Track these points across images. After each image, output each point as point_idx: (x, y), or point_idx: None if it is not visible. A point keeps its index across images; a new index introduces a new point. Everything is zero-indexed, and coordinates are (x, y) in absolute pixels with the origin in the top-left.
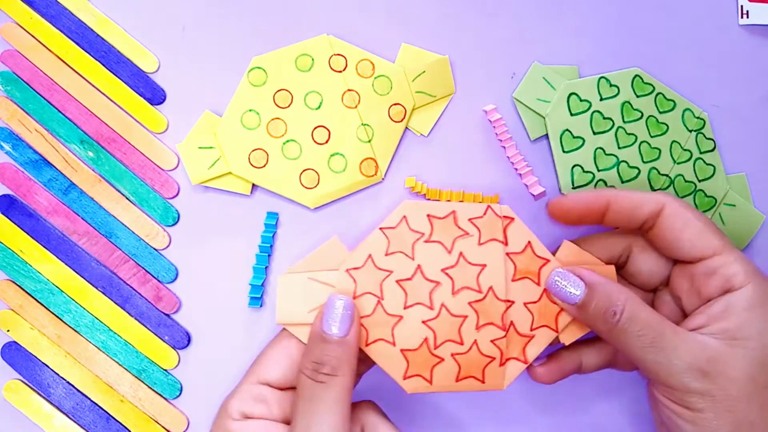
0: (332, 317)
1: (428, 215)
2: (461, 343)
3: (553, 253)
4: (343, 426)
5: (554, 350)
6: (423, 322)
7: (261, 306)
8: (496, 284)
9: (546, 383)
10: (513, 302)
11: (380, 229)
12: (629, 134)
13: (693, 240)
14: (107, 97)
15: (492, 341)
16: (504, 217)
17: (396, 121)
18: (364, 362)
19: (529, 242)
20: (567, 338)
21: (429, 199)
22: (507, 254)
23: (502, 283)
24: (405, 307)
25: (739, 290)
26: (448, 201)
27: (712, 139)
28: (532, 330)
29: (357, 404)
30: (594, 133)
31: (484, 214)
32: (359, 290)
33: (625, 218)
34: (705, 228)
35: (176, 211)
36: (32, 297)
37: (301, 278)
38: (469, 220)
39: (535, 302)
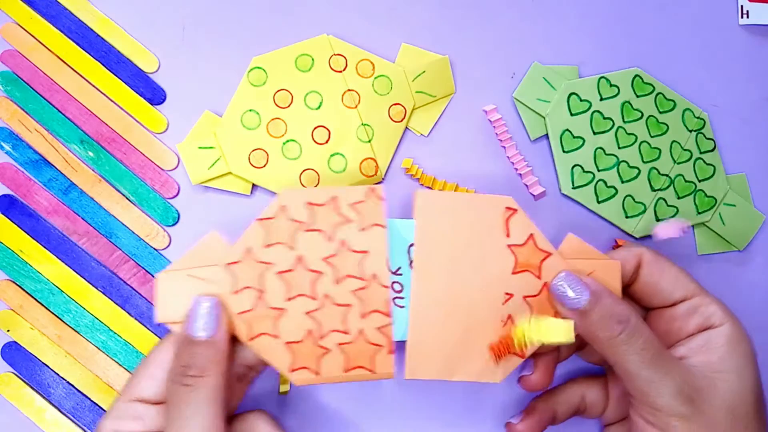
0: (197, 319)
1: (308, 203)
2: (347, 333)
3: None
4: (215, 427)
5: (527, 405)
6: (306, 313)
7: None
8: (379, 271)
9: None
10: (512, 295)
11: (258, 220)
12: (629, 134)
13: (673, 283)
14: (107, 97)
15: (378, 329)
16: (507, 208)
17: (396, 121)
18: (253, 368)
19: (531, 234)
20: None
21: (422, 185)
22: (508, 246)
23: (385, 270)
24: (287, 300)
25: (717, 328)
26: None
27: (712, 139)
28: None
29: (247, 413)
30: (594, 133)
31: (366, 198)
32: (239, 285)
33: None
34: (680, 272)
35: (176, 211)
36: (32, 297)
37: (180, 275)
38: (350, 205)
39: (534, 296)
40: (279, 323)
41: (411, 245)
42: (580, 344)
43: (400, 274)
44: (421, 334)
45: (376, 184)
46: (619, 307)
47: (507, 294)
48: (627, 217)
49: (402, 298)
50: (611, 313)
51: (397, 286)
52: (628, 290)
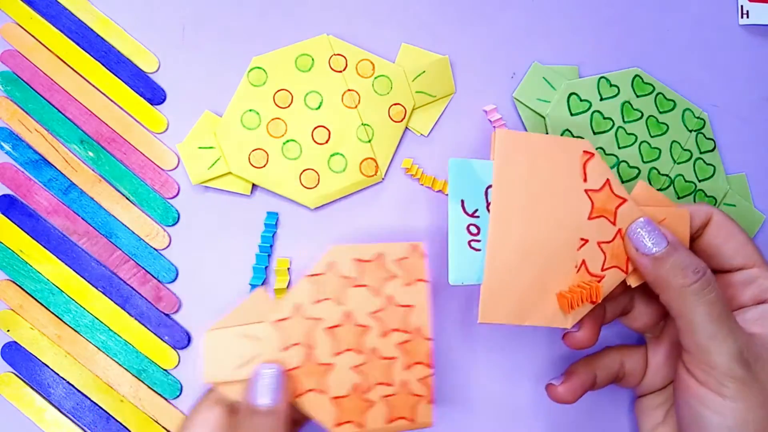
0: (260, 388)
1: (356, 259)
2: (391, 385)
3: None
4: None
5: (568, 368)
6: (353, 367)
7: None
8: (423, 324)
9: (567, 403)
10: (587, 240)
11: (307, 276)
12: (629, 134)
13: (736, 249)
14: (107, 97)
15: (420, 380)
16: (584, 152)
17: (396, 121)
18: (297, 422)
19: (607, 179)
20: (634, 281)
21: (422, 185)
22: (585, 191)
23: (427, 323)
24: (335, 354)
25: None
26: (375, 244)
27: (712, 139)
28: (603, 270)
29: None
30: (594, 133)
31: (409, 255)
32: (288, 341)
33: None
34: (747, 240)
35: (176, 211)
36: (32, 297)
37: (228, 333)
38: (395, 261)
39: (609, 242)
40: (326, 378)
41: (488, 187)
42: (625, 309)
43: (477, 216)
44: (496, 277)
45: (376, 184)
46: (696, 259)
47: (582, 239)
48: None
49: (478, 240)
50: (687, 263)
51: (473, 229)
52: (691, 246)
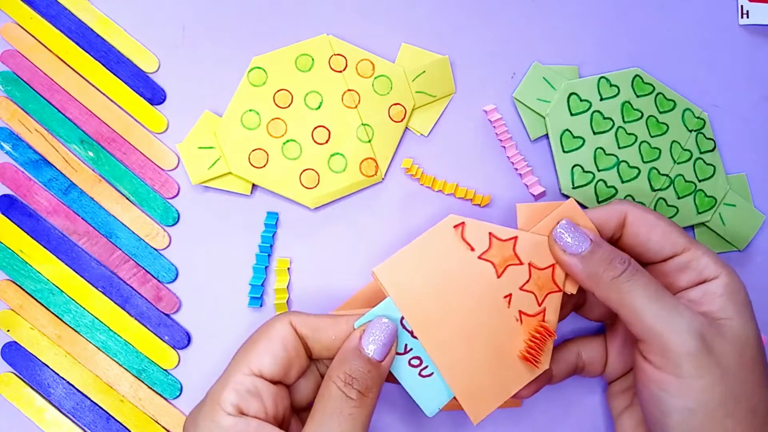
0: (376, 338)
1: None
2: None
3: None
4: None
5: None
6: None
7: (261, 306)
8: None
9: (524, 397)
10: (510, 294)
11: (478, 258)
12: (629, 134)
13: (662, 239)
14: (107, 97)
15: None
16: (455, 227)
17: (396, 121)
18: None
19: (489, 234)
20: (570, 289)
21: (422, 185)
22: (479, 258)
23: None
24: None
25: (713, 280)
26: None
27: (712, 139)
28: (540, 305)
29: None
30: (594, 133)
31: (530, 277)
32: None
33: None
34: (669, 227)
35: (176, 211)
36: (32, 297)
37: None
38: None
39: (528, 281)
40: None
41: (402, 319)
42: (579, 301)
43: (411, 349)
44: (461, 380)
45: (376, 184)
46: (618, 251)
47: (506, 297)
48: None
49: (426, 366)
50: (613, 255)
51: (415, 361)
52: (616, 246)
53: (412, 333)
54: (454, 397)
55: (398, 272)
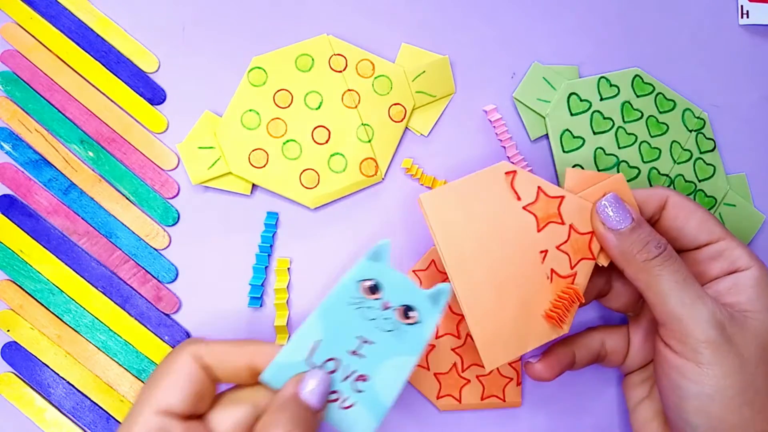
0: (315, 387)
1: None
2: (484, 366)
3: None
4: None
5: (548, 347)
6: (452, 349)
7: (261, 306)
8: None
9: (545, 380)
10: (546, 251)
11: (412, 271)
12: (629, 134)
13: (698, 227)
14: (107, 97)
15: (509, 364)
16: (506, 173)
17: (396, 121)
18: None
19: (539, 187)
20: (604, 261)
21: (422, 185)
22: (523, 208)
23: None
24: (436, 337)
25: (744, 271)
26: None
27: (712, 139)
28: (572, 268)
29: None
30: (594, 133)
31: (568, 238)
32: None
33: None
34: (707, 216)
35: (176, 211)
36: (32, 297)
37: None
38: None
39: (566, 242)
40: (429, 357)
41: (309, 356)
42: (603, 291)
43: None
44: (483, 325)
45: (376, 184)
46: (658, 235)
47: (542, 252)
48: None
49: (345, 399)
50: (650, 238)
51: (332, 395)
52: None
53: (321, 366)
54: (457, 398)
55: (443, 204)
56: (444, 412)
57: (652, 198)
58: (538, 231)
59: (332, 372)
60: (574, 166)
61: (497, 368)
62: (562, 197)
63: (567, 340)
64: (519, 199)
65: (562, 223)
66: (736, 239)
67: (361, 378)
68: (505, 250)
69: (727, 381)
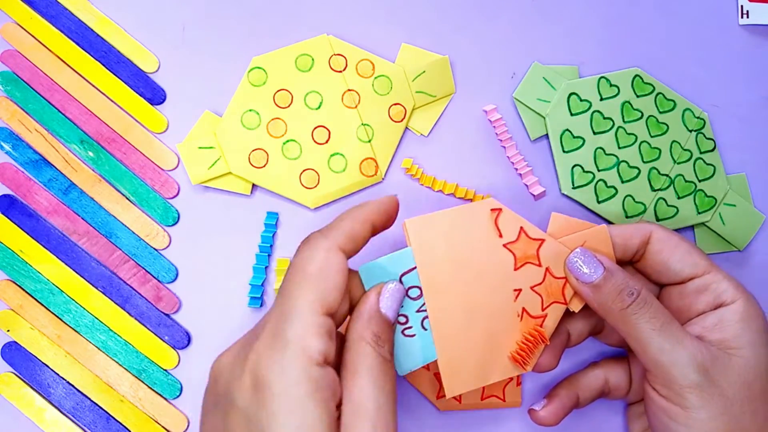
0: (391, 301)
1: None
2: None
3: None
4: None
5: (549, 391)
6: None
7: (261, 306)
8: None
9: (551, 425)
10: (520, 290)
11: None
12: (629, 134)
13: (683, 260)
14: (107, 97)
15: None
16: (492, 210)
17: (396, 121)
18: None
19: (521, 228)
20: (575, 307)
21: (422, 185)
22: (504, 246)
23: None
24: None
25: (730, 305)
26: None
27: (712, 139)
28: (543, 310)
29: None
30: (594, 133)
31: (543, 280)
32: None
33: (620, 252)
34: (691, 249)
35: (176, 211)
36: (32, 297)
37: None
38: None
39: (540, 283)
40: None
41: (402, 275)
42: (597, 328)
43: (401, 306)
44: (449, 352)
45: (376, 184)
46: (631, 281)
47: (515, 290)
48: (627, 217)
49: (410, 327)
50: (623, 286)
51: (401, 319)
52: (636, 266)
53: (407, 291)
54: (457, 398)
55: (426, 230)
56: (444, 412)
57: (636, 234)
58: (515, 269)
59: (413, 299)
60: (574, 167)
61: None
62: (542, 240)
63: (569, 380)
64: (501, 236)
65: (539, 265)
66: (722, 272)
67: (427, 319)
68: (480, 283)
69: (713, 423)
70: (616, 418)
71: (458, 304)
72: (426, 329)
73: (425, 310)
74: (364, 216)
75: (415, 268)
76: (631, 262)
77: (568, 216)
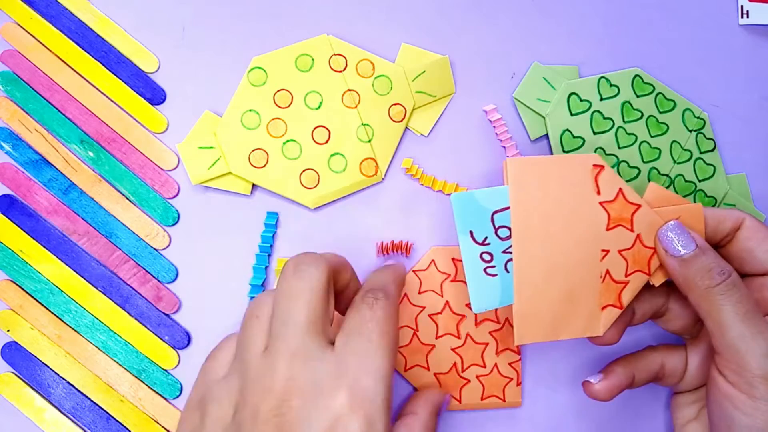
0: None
1: (453, 258)
2: (484, 366)
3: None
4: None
5: (606, 366)
6: (452, 349)
7: None
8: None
9: (604, 400)
10: (608, 251)
11: (413, 271)
12: (629, 134)
13: None
14: (107, 97)
15: (510, 364)
16: (594, 165)
17: (396, 121)
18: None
19: (620, 189)
20: (656, 280)
21: (422, 185)
22: (600, 203)
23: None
24: (436, 337)
25: None
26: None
27: (712, 139)
28: (626, 276)
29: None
30: (594, 133)
31: (632, 246)
32: (400, 323)
33: (710, 233)
34: None
35: (176, 211)
36: (32, 297)
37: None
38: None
39: (629, 249)
40: (429, 357)
41: (494, 213)
42: (659, 311)
43: (488, 244)
44: (527, 299)
45: (376, 184)
46: (722, 262)
47: (603, 250)
48: None
49: (493, 266)
50: (713, 265)
51: (486, 256)
52: (722, 251)
53: (496, 231)
54: (457, 398)
55: (527, 172)
56: (444, 412)
57: (729, 218)
58: (607, 229)
59: (502, 239)
60: None
61: (497, 368)
62: (638, 206)
63: (627, 359)
64: (599, 193)
65: (632, 230)
66: None
67: (511, 262)
68: (570, 236)
69: None
70: (657, 404)
71: (544, 253)
72: (509, 272)
73: (511, 252)
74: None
75: (508, 208)
76: (716, 246)
77: (665, 189)
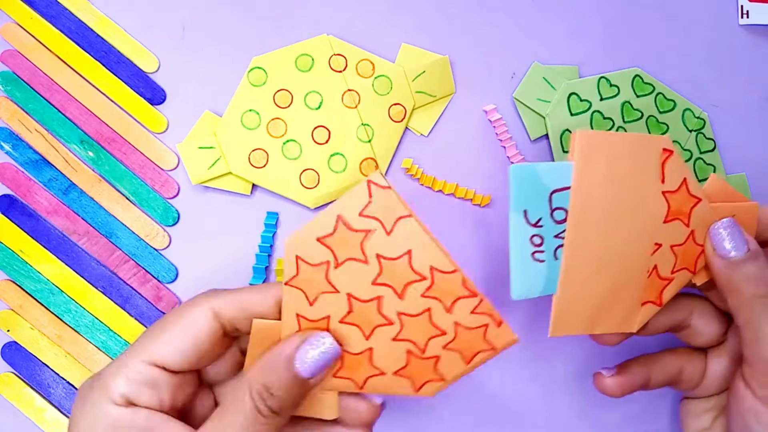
0: (313, 357)
1: (317, 239)
2: (444, 333)
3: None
4: None
5: (622, 363)
6: (393, 339)
7: None
8: (435, 260)
9: (613, 396)
10: (660, 245)
11: (286, 285)
12: None
13: None
14: (107, 97)
15: (473, 312)
16: (664, 150)
17: (396, 121)
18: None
19: (684, 179)
20: (699, 279)
21: (422, 185)
22: (663, 192)
23: (440, 256)
24: (367, 338)
25: None
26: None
27: (712, 139)
28: (672, 273)
29: None
30: None
31: (371, 198)
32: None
33: (760, 231)
34: None
35: (176, 211)
36: (32, 297)
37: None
38: (361, 215)
39: (681, 245)
40: (375, 361)
41: (553, 192)
42: (680, 325)
43: (541, 226)
44: (570, 291)
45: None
46: None
47: (656, 244)
48: None
49: (542, 251)
50: (763, 273)
51: (536, 240)
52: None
53: (552, 212)
54: (437, 378)
55: (597, 147)
56: (442, 403)
57: None
58: (664, 222)
59: (556, 222)
60: None
61: (460, 326)
62: (699, 200)
63: (645, 359)
64: (663, 181)
65: (687, 225)
66: None
67: (561, 249)
68: (626, 226)
69: None
70: (662, 403)
71: (598, 244)
72: (557, 259)
73: (563, 239)
74: (272, 296)
75: (568, 188)
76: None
77: (725, 182)
